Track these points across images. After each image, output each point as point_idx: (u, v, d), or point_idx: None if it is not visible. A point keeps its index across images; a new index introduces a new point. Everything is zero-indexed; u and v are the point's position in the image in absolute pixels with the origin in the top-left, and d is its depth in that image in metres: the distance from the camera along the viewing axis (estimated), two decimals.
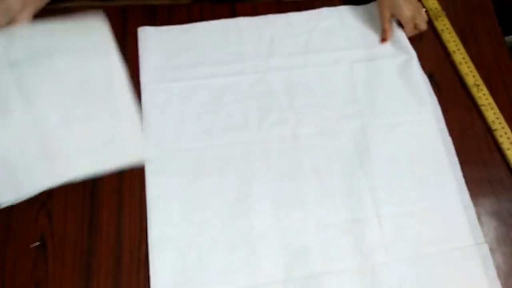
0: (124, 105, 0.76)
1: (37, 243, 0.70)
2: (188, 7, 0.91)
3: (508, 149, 0.78)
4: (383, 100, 0.81)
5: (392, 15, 0.86)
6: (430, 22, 0.90)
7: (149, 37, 0.85)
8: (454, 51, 0.87)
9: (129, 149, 0.74)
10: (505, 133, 0.80)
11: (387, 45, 0.87)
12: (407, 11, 0.85)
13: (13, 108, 0.71)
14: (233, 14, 0.90)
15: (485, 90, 0.83)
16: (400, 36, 0.87)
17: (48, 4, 0.83)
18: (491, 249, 0.71)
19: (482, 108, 0.82)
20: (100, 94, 0.75)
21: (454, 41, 0.88)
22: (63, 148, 0.71)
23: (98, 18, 0.81)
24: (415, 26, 0.87)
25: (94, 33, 0.80)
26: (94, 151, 0.72)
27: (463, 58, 0.86)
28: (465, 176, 0.76)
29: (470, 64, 0.86)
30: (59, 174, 0.71)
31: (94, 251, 0.70)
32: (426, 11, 0.88)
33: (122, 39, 0.85)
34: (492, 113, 0.81)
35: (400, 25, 0.87)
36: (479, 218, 0.73)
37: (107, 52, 0.79)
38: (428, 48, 0.89)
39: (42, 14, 0.87)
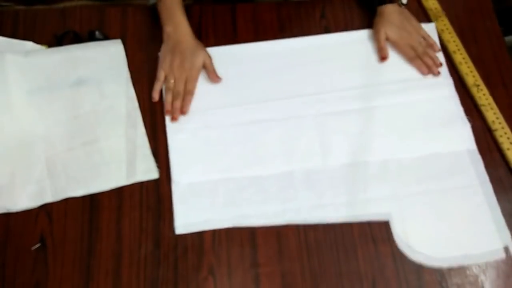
0: (135, 128, 0.78)
1: (37, 245, 0.70)
2: (188, 7, 0.90)
3: (508, 149, 0.78)
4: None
5: (388, 39, 0.85)
6: (430, 22, 0.91)
7: None
8: (454, 51, 0.87)
9: (139, 168, 0.76)
10: (505, 133, 0.80)
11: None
12: (400, 39, 0.84)
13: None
14: (233, 14, 0.90)
15: (485, 90, 0.83)
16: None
17: (48, 4, 0.83)
18: None
19: (482, 108, 0.82)
20: (111, 118, 0.79)
21: (454, 41, 0.88)
22: (67, 168, 0.75)
23: (116, 43, 0.84)
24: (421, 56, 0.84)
25: (110, 61, 0.83)
26: (102, 172, 0.75)
27: (463, 58, 0.86)
28: None
29: (470, 64, 0.86)
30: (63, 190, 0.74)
31: (94, 251, 0.70)
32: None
33: (122, 39, 0.85)
34: (492, 113, 0.81)
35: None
36: None
37: (121, 79, 0.82)
38: None
39: (42, 13, 0.88)
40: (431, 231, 0.72)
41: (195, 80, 0.81)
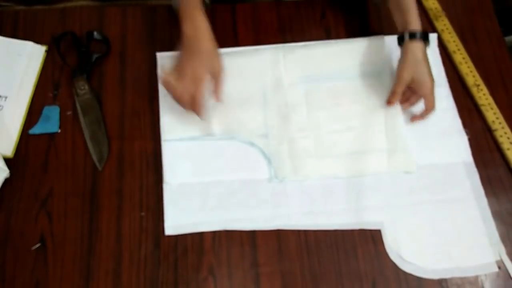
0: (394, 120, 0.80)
1: (37, 245, 0.70)
2: None
3: (508, 149, 0.78)
4: None
5: (412, 82, 0.76)
6: (430, 22, 0.91)
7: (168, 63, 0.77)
8: (454, 51, 0.87)
9: (404, 159, 0.77)
10: (505, 133, 0.80)
11: None
12: (430, 81, 0.75)
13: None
14: (233, 14, 0.90)
15: (485, 90, 0.83)
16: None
17: (47, 4, 0.83)
18: None
19: (482, 108, 0.82)
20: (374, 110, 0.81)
21: (454, 41, 0.88)
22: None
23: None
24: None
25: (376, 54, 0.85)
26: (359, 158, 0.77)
27: (463, 58, 0.86)
28: None
29: (470, 64, 0.86)
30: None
31: (94, 251, 0.70)
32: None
33: (121, 39, 0.85)
34: (492, 113, 0.81)
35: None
36: None
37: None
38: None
39: (42, 14, 0.88)
40: (423, 242, 0.72)
41: (200, 86, 0.72)
